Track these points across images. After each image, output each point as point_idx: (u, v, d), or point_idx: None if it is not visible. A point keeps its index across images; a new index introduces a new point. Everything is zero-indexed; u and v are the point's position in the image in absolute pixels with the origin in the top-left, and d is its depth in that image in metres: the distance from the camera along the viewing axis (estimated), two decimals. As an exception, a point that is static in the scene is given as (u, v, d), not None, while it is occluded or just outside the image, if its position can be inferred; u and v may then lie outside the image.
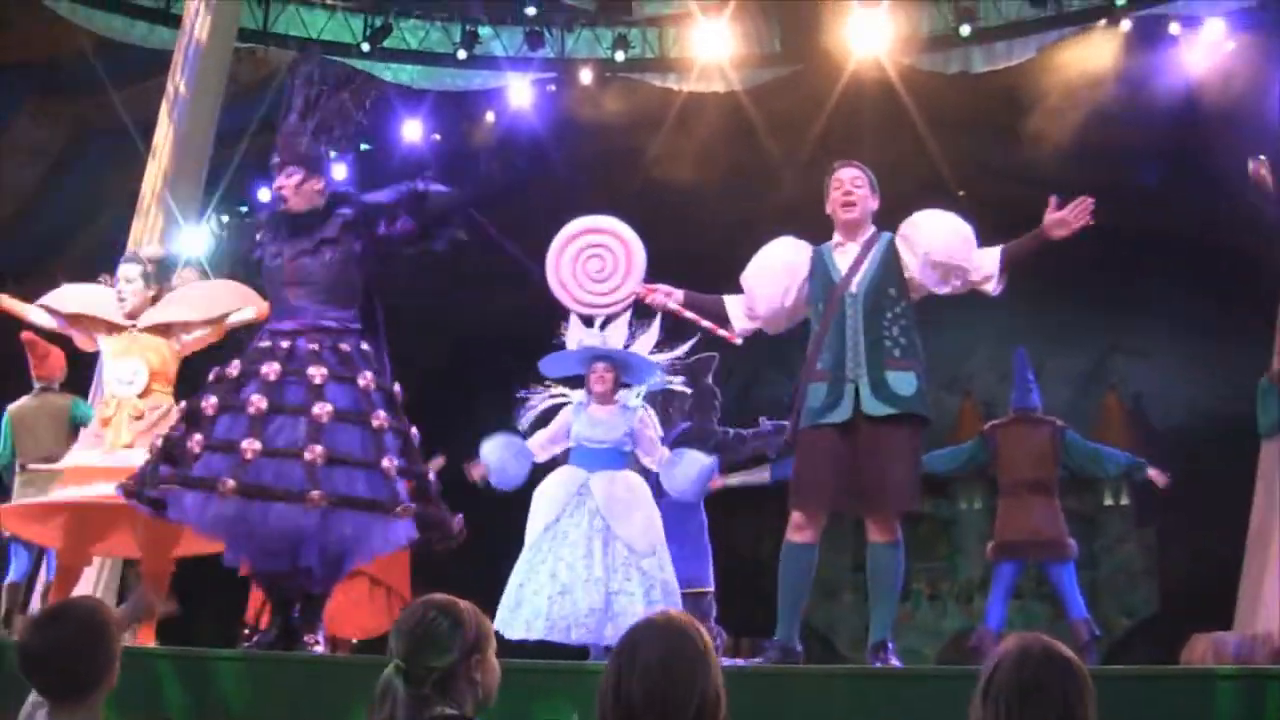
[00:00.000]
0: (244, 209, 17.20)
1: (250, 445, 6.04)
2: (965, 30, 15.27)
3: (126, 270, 7.59)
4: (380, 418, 6.22)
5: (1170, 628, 13.40)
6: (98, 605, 4.08)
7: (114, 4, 15.04)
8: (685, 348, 8.31)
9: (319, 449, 6.00)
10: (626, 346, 8.19)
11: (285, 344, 6.41)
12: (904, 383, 6.10)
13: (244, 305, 7.46)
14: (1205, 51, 14.25)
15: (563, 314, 7.90)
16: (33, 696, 3.92)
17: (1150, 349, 18.60)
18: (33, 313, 7.81)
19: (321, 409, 6.11)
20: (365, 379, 6.31)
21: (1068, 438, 9.97)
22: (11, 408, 9.26)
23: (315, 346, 6.37)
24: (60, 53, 15.42)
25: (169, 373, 7.41)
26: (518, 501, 8.04)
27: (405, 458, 6.37)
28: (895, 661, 6.06)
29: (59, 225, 16.91)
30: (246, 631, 8.79)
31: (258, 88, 15.72)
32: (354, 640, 10.06)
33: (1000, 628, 9.73)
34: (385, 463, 6.11)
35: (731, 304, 6.66)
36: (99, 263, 7.86)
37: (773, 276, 6.50)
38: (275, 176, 6.70)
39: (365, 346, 6.53)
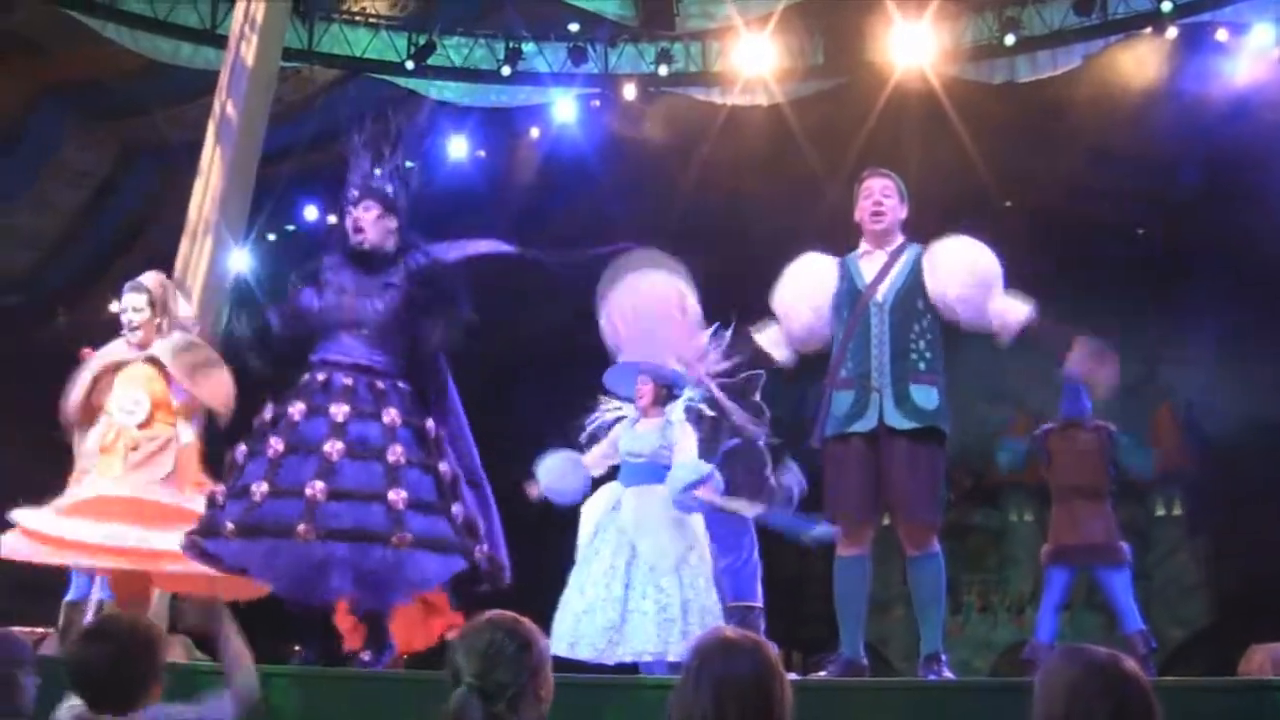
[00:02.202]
0: (291, 228, 17.30)
1: (259, 488, 6.06)
2: (1009, 40, 15.20)
3: (133, 300, 7.53)
4: (397, 453, 6.18)
5: (1226, 639, 13.28)
6: (143, 620, 4.12)
7: (160, 26, 15.13)
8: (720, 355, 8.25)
9: (319, 485, 5.98)
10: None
11: (322, 377, 6.41)
12: (927, 397, 6.06)
13: (219, 406, 7.40)
14: (1253, 58, 14.14)
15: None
16: (65, 708, 3.97)
17: (1201, 358, 18.45)
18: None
19: (333, 447, 6.11)
20: (390, 415, 6.29)
21: (1116, 438, 9.92)
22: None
23: (350, 382, 6.37)
24: (106, 75, 15.55)
25: (172, 403, 7.36)
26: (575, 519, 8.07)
27: (433, 493, 6.28)
28: (949, 674, 6.01)
29: (106, 246, 17.06)
30: (297, 649, 8.79)
31: (303, 107, 15.82)
32: (403, 656, 10.05)
33: (1052, 639, 9.66)
34: (392, 495, 6.05)
35: (764, 338, 6.59)
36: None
37: (807, 300, 6.44)
38: (349, 210, 6.70)
39: (402, 385, 6.51)
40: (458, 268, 6.69)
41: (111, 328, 7.76)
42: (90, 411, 7.53)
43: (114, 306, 7.83)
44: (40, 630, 8.23)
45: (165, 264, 9.11)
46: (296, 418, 6.25)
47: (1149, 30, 14.78)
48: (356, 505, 6.02)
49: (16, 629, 5.57)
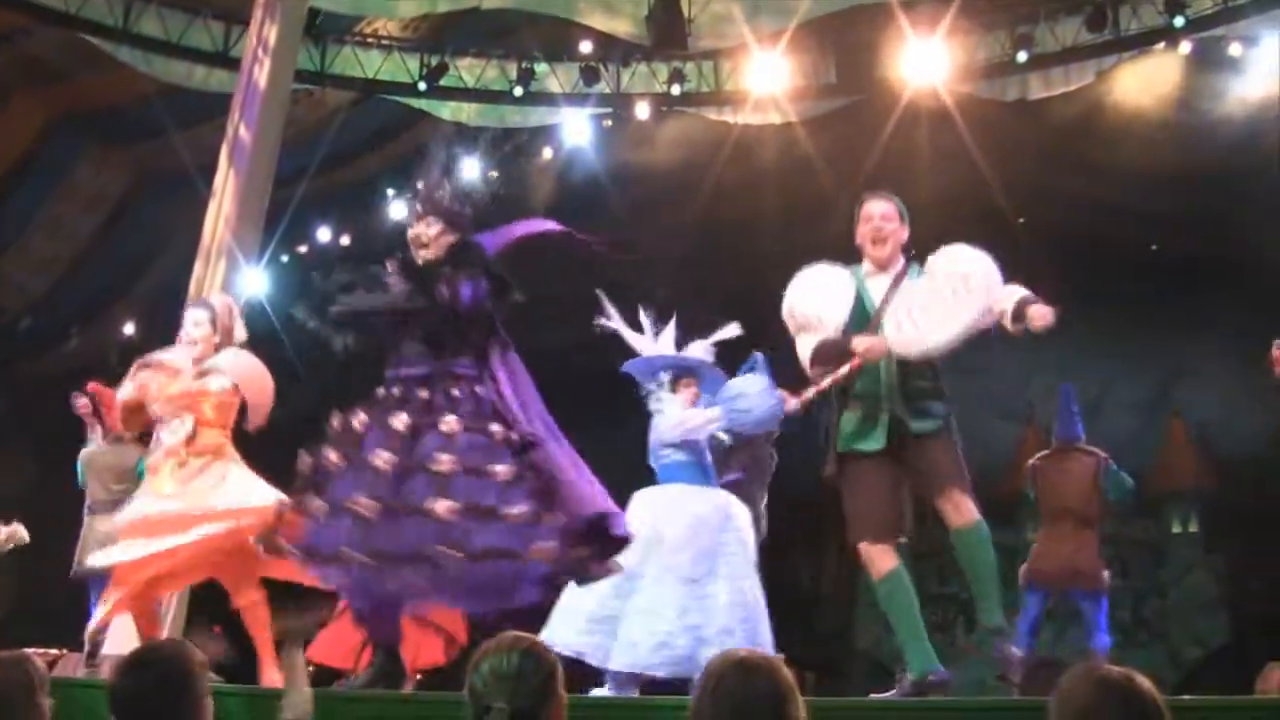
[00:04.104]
0: (303, 249, 17.35)
1: (370, 505, 5.97)
2: (1022, 57, 15.19)
3: (195, 315, 7.58)
4: (444, 462, 6.03)
5: (1243, 657, 13.22)
6: (184, 647, 4.10)
7: (173, 49, 15.18)
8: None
9: (446, 503, 5.89)
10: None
11: (398, 390, 6.35)
12: (937, 405, 6.18)
13: (257, 402, 7.44)
14: (1267, 73, 14.12)
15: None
16: None
17: (1216, 375, 18.38)
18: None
19: (381, 459, 6.04)
20: (448, 424, 6.18)
21: (1110, 469, 10.00)
22: (84, 453, 9.42)
23: (426, 395, 6.30)
24: (121, 99, 15.61)
25: (217, 419, 7.41)
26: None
27: (489, 497, 6.19)
28: (1014, 650, 6.02)
29: (121, 269, 17.10)
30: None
31: (315, 128, 15.86)
32: (416, 675, 10.04)
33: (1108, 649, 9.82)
34: (439, 507, 6.00)
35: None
36: (160, 305, 7.89)
37: (835, 310, 6.43)
38: (413, 224, 6.66)
39: (479, 390, 6.40)
40: (501, 253, 6.65)
41: (125, 351, 7.81)
42: (140, 411, 7.62)
43: (128, 328, 7.88)
44: (53, 652, 8.25)
45: (179, 288, 9.15)
46: (399, 427, 6.19)
47: (1162, 46, 14.77)
48: (406, 522, 5.97)
49: (30, 651, 5.57)
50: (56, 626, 8.52)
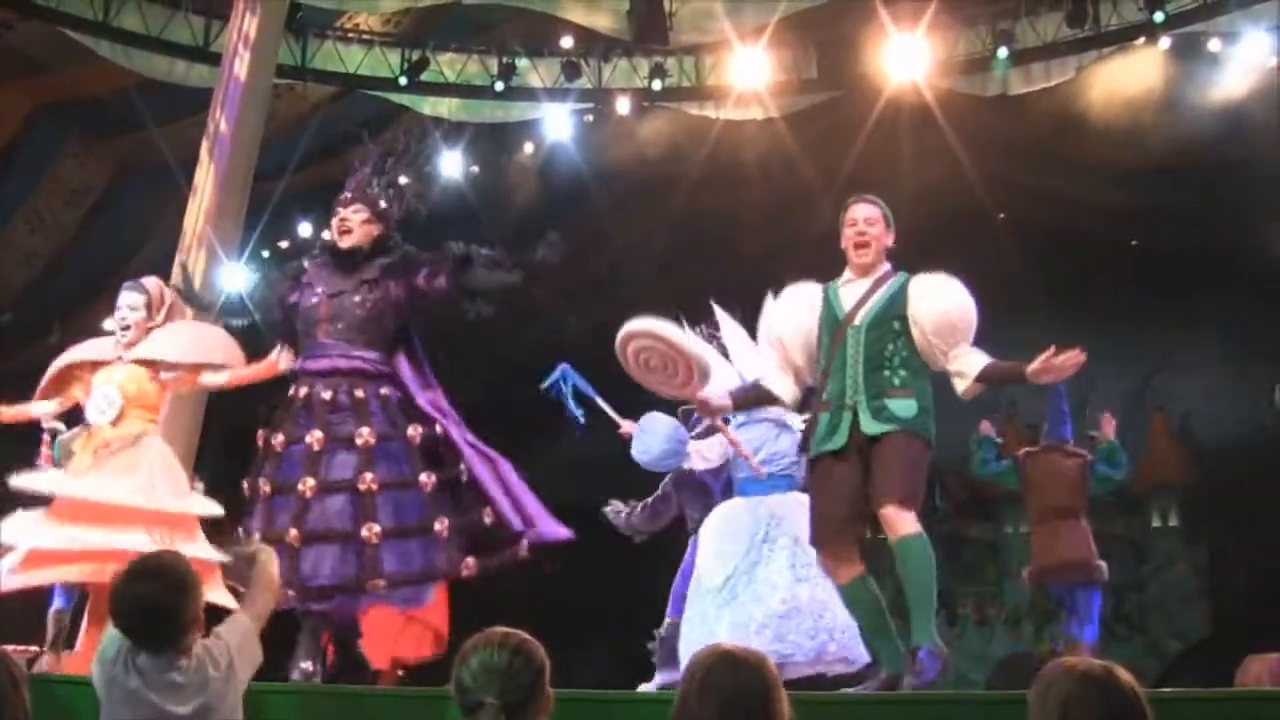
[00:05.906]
0: (285, 244, 17.31)
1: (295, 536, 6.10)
2: (1002, 52, 15.22)
3: (130, 299, 7.52)
4: (367, 481, 6.14)
5: (1224, 650, 13.27)
6: (181, 558, 4.20)
7: (153, 43, 15.14)
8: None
9: (293, 533, 6.02)
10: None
11: (303, 391, 6.40)
12: (904, 407, 6.01)
13: (223, 361, 7.35)
14: (1246, 69, 14.17)
15: None
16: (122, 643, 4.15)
17: (1197, 368, 18.42)
18: (34, 408, 7.74)
19: (305, 485, 6.10)
20: (364, 437, 6.24)
21: (1095, 466, 10.10)
22: (62, 437, 9.36)
23: (328, 395, 6.33)
24: (102, 92, 15.56)
25: (148, 401, 7.31)
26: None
27: (415, 512, 6.26)
28: (928, 669, 5.91)
29: (101, 264, 17.05)
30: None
31: (296, 124, 15.82)
32: (400, 672, 10.03)
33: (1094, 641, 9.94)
34: (365, 531, 6.05)
35: (773, 378, 6.50)
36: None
37: (798, 324, 6.42)
38: (338, 211, 6.72)
39: (385, 390, 6.47)
40: (433, 256, 6.69)
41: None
42: (55, 393, 7.60)
43: (109, 323, 7.80)
44: (33, 649, 8.22)
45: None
46: (279, 449, 6.29)
47: (1142, 41, 14.82)
48: (331, 550, 6.01)
49: (9, 647, 5.57)
50: (31, 625, 8.49)
